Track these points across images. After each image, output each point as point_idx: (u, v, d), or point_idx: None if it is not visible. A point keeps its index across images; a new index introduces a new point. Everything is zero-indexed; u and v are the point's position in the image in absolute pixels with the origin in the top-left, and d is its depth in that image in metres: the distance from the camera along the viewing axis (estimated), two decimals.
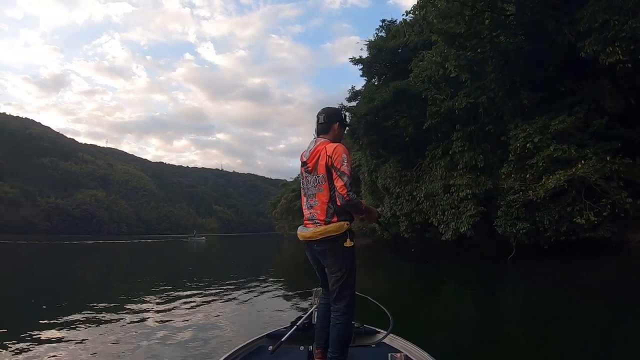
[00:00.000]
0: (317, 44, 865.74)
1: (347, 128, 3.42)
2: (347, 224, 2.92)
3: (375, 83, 25.26)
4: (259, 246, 48.75)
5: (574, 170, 13.37)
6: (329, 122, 3.16)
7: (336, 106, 23.87)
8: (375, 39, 25.74)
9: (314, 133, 3.22)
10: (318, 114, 3.20)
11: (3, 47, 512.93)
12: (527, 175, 14.81)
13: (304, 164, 3.12)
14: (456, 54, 15.61)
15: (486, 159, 16.70)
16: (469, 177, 16.84)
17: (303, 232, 3.08)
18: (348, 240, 2.92)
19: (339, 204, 2.89)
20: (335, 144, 2.98)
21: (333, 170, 2.88)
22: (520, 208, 15.05)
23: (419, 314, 7.74)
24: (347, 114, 24.51)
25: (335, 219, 2.92)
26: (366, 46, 25.37)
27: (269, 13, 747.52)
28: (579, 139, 14.22)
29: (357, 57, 25.62)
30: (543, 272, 13.99)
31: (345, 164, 2.86)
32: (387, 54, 24.23)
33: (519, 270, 14.74)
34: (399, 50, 24.13)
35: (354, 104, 24.87)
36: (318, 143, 3.06)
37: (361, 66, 25.70)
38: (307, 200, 3.11)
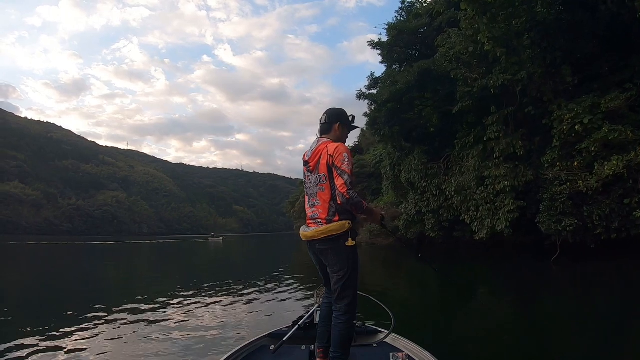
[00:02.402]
0: (334, 43, 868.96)
1: (352, 129, 3.34)
2: (349, 224, 2.93)
3: (397, 70, 23.33)
4: (274, 246, 48.66)
5: (633, 155, 11.53)
6: (330, 122, 3.20)
7: (355, 94, 22.58)
8: (395, 22, 23.78)
9: (317, 133, 3.24)
10: (322, 115, 3.24)
11: (24, 54, 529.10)
12: (575, 163, 13.13)
13: (306, 163, 3.15)
14: (489, 26, 13.75)
15: (526, 145, 14.74)
16: (506, 167, 14.98)
17: (305, 231, 3.11)
18: (350, 239, 2.92)
19: (339, 202, 2.89)
20: (337, 144, 3.01)
21: (334, 169, 2.90)
22: (567, 202, 13.29)
23: (426, 315, 7.62)
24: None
25: (336, 218, 2.94)
26: (385, 30, 23.51)
27: (285, 14, 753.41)
28: (633, 120, 12.61)
29: (376, 40, 23.75)
30: (600, 274, 12.63)
31: (346, 162, 2.87)
32: (409, 36, 22.26)
33: (565, 272, 13.41)
34: (420, 34, 22.32)
35: (374, 92, 22.94)
36: (320, 143, 3.09)
37: (380, 51, 23.83)
38: (309, 200, 3.15)
